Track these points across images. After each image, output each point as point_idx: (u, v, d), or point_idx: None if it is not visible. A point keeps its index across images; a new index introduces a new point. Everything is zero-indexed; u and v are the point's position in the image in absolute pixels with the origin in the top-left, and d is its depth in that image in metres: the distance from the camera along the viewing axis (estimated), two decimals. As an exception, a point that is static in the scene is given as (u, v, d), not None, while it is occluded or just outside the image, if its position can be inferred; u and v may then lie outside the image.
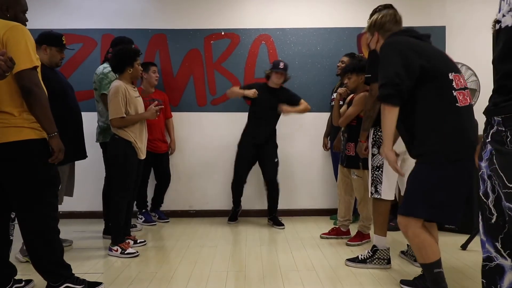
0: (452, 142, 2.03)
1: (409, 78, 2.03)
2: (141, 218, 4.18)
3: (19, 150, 2.08)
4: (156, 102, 3.40)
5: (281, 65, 4.02)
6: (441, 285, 2.08)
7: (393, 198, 2.86)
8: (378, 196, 2.81)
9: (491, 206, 1.47)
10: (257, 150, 4.11)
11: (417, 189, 2.10)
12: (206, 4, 4.56)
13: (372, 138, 2.84)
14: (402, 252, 3.05)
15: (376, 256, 2.80)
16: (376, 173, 2.81)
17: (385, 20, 2.39)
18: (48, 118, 2.11)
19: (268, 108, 4.07)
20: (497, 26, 1.39)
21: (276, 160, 4.14)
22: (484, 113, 1.47)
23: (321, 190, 4.61)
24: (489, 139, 1.43)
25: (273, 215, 4.18)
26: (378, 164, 2.81)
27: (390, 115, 2.06)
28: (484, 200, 1.49)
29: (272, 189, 4.13)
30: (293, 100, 4.10)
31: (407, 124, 2.14)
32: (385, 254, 2.81)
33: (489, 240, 1.49)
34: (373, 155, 2.84)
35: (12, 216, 2.43)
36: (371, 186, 2.85)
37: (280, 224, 4.11)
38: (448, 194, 2.04)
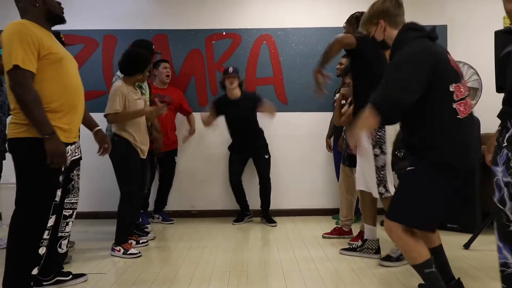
0: (450, 155, 1.96)
1: (415, 93, 1.92)
2: (158, 217, 4.29)
3: (18, 146, 2.12)
4: (156, 99, 3.41)
5: (231, 70, 4.09)
6: (436, 284, 2.02)
7: None
8: (389, 195, 2.80)
9: (508, 213, 1.42)
10: (248, 150, 4.21)
11: (406, 195, 2.05)
12: (207, 4, 4.56)
13: (372, 139, 2.81)
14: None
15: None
16: (382, 173, 2.82)
17: (388, 5, 2.15)
18: (35, 119, 2.05)
19: (238, 120, 4.14)
20: None
21: (267, 156, 4.23)
22: (498, 116, 1.43)
23: (323, 189, 4.60)
24: (505, 144, 1.38)
25: (266, 213, 4.24)
26: (382, 164, 2.83)
27: (374, 123, 1.98)
28: (501, 207, 1.45)
29: (265, 185, 4.22)
30: (258, 104, 4.15)
31: (410, 128, 2.07)
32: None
33: (507, 246, 1.45)
34: (375, 155, 2.83)
35: (67, 214, 2.44)
36: (379, 186, 2.82)
37: (272, 221, 4.18)
38: (434, 204, 1.99)
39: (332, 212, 4.46)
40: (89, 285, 2.51)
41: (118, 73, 3.43)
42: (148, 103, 3.54)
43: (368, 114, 1.94)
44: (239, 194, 4.28)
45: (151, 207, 4.33)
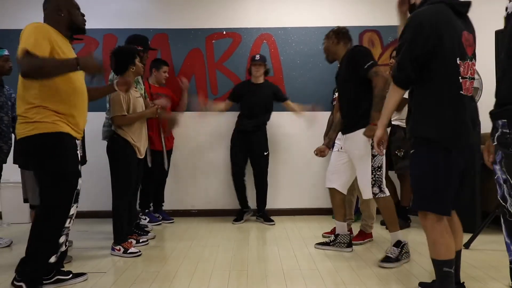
0: (450, 129, 1.90)
1: (418, 65, 1.97)
2: (158, 216, 4.27)
3: (30, 144, 2.22)
4: (161, 100, 3.41)
5: (257, 57, 4.16)
6: (448, 286, 1.99)
7: None
8: (384, 195, 2.88)
9: (510, 209, 1.45)
10: (247, 139, 4.16)
11: (414, 180, 2.04)
12: (208, 3, 4.56)
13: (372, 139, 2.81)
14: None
15: (404, 250, 2.83)
16: (378, 173, 2.88)
17: None
18: (56, 68, 2.13)
19: (254, 103, 4.15)
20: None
21: (266, 153, 4.21)
22: (490, 116, 1.45)
23: (323, 189, 4.58)
24: (495, 143, 1.41)
25: (263, 212, 4.25)
26: (379, 165, 2.88)
27: (397, 96, 2.04)
28: (503, 203, 1.47)
29: (261, 181, 4.21)
30: (279, 95, 4.23)
31: (411, 102, 2.06)
32: (407, 248, 2.86)
33: None
34: (373, 156, 2.86)
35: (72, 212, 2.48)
36: (374, 187, 2.88)
37: (270, 220, 4.19)
38: (439, 182, 1.92)
39: (332, 212, 4.44)
40: (89, 284, 2.51)
41: None
42: (143, 96, 3.56)
43: (391, 88, 2.06)
44: (240, 185, 4.24)
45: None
